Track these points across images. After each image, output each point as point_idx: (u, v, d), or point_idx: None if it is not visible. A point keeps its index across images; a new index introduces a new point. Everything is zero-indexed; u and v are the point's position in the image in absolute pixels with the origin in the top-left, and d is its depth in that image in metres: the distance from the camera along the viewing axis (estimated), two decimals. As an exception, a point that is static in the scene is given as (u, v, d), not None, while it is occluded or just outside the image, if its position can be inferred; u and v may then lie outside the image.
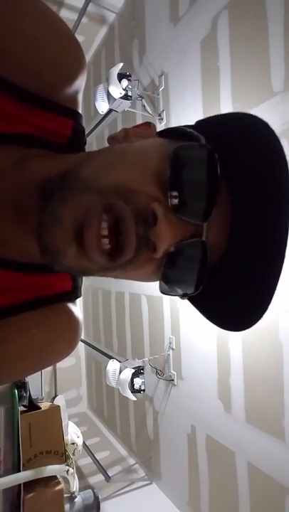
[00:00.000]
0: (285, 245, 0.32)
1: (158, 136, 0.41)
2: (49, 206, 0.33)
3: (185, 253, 0.34)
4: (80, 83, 0.41)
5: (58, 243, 0.32)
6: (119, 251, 0.32)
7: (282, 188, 0.31)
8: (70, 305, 0.45)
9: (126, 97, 1.76)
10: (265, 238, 0.32)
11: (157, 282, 0.38)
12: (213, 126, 0.37)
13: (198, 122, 0.39)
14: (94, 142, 2.66)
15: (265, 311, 0.34)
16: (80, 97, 0.43)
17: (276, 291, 0.33)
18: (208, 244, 0.34)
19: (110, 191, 0.33)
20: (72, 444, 1.81)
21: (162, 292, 0.38)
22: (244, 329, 0.36)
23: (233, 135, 0.35)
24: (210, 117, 0.39)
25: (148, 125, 0.42)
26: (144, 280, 0.39)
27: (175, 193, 0.33)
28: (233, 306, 0.36)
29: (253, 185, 0.33)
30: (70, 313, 0.44)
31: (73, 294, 0.46)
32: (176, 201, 0.33)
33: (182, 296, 0.38)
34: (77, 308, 0.46)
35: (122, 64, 1.77)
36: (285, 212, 0.31)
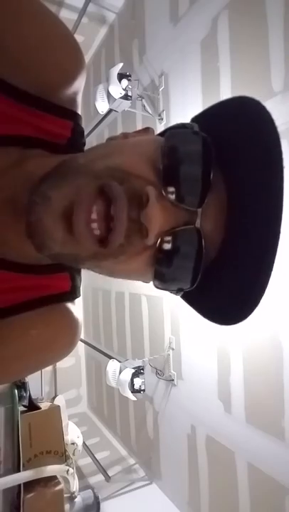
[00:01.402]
0: (279, 234, 0.31)
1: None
2: (40, 188, 0.32)
3: (179, 241, 0.33)
4: (80, 84, 0.41)
5: (45, 222, 0.31)
6: (110, 235, 0.31)
7: (277, 173, 0.30)
8: (70, 305, 0.45)
9: (126, 97, 1.75)
10: (260, 230, 0.31)
11: None
12: (206, 115, 0.37)
13: (193, 117, 0.39)
14: (94, 142, 2.65)
15: (260, 300, 0.33)
16: (80, 98, 0.43)
17: (271, 282, 0.32)
18: (203, 233, 0.33)
19: (104, 173, 0.32)
20: (72, 444, 1.81)
21: (156, 286, 0.37)
22: (240, 321, 0.35)
23: (225, 120, 0.35)
24: (204, 109, 0.38)
25: (147, 129, 0.43)
26: (137, 277, 0.38)
27: (169, 178, 0.32)
28: (230, 300, 0.35)
29: (248, 174, 0.32)
30: (70, 313, 0.44)
31: (72, 294, 0.46)
32: (169, 186, 0.32)
33: (177, 292, 0.37)
34: (76, 308, 0.46)
35: (122, 64, 1.77)
36: (281, 199, 0.30)
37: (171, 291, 0.38)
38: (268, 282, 0.32)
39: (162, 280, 0.36)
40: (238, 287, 0.34)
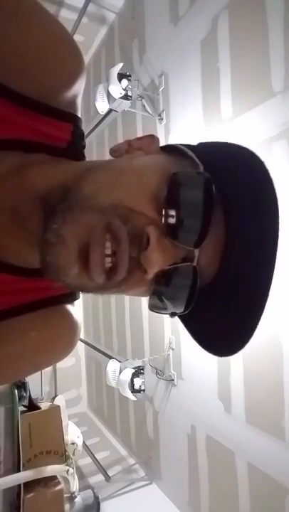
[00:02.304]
0: (272, 278, 0.33)
1: (160, 149, 0.42)
2: (52, 225, 0.33)
3: (175, 276, 0.35)
4: (79, 87, 0.41)
5: (61, 263, 0.33)
6: (113, 271, 0.33)
7: (273, 224, 0.33)
8: (69, 307, 0.45)
9: (126, 97, 1.76)
10: (254, 271, 0.33)
11: None
12: (213, 155, 0.38)
13: (200, 145, 0.40)
14: (94, 142, 2.66)
15: (250, 337, 0.35)
16: (80, 101, 0.43)
17: (261, 321, 0.34)
18: (199, 269, 0.35)
19: (109, 210, 0.33)
20: (72, 444, 1.81)
21: (151, 309, 0.39)
22: (231, 354, 0.37)
23: (231, 168, 0.36)
24: (211, 143, 0.39)
25: (152, 137, 0.42)
26: (137, 296, 0.40)
27: (170, 217, 0.33)
28: (221, 330, 0.37)
29: (247, 219, 0.34)
30: (69, 315, 0.45)
31: (72, 296, 0.46)
32: (170, 225, 0.33)
33: (171, 315, 0.39)
34: (75, 309, 0.46)
35: (122, 64, 1.77)
36: (275, 248, 0.33)
37: (164, 314, 0.39)
38: (259, 317, 0.34)
39: (156, 307, 0.38)
40: (230, 318, 0.36)
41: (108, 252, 0.32)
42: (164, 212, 0.33)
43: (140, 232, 0.33)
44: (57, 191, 0.35)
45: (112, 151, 0.42)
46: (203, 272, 0.35)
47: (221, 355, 0.38)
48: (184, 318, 0.40)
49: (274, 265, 0.33)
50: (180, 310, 0.37)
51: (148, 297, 0.38)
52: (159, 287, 0.36)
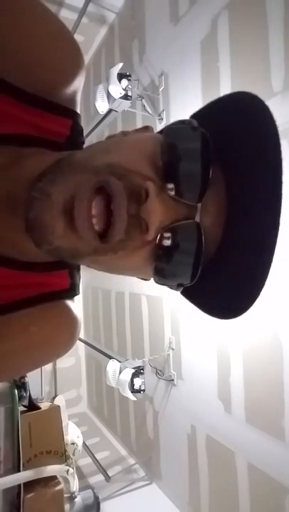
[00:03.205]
0: (278, 230, 0.31)
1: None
2: (38, 184, 0.32)
3: (179, 236, 0.33)
4: (79, 83, 0.41)
5: (45, 218, 0.31)
6: (110, 231, 0.32)
7: (276, 171, 0.31)
8: (69, 302, 0.45)
9: (126, 97, 1.75)
10: (260, 226, 0.32)
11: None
12: (205, 112, 0.38)
13: (192, 114, 0.40)
14: (94, 142, 2.65)
15: (259, 294, 0.33)
16: (79, 97, 0.43)
17: (271, 280, 0.32)
18: (203, 228, 0.33)
19: (103, 170, 0.32)
20: (72, 444, 1.81)
21: (156, 282, 0.37)
22: (239, 315, 0.35)
23: (223, 116, 0.35)
24: (203, 106, 0.39)
25: (147, 128, 0.43)
26: (137, 272, 0.39)
27: (168, 174, 0.33)
28: (229, 295, 0.36)
29: (247, 170, 0.32)
30: (69, 310, 0.45)
31: (71, 292, 0.46)
32: (169, 181, 0.33)
33: (177, 287, 0.37)
34: (75, 305, 0.46)
35: (122, 64, 1.77)
36: (280, 199, 0.31)
37: (171, 286, 0.38)
38: (267, 276, 0.32)
39: (162, 275, 0.36)
40: (237, 281, 0.34)
41: (94, 211, 0.31)
42: (161, 168, 0.33)
43: (138, 188, 0.32)
44: (50, 166, 0.35)
45: (108, 138, 0.42)
46: (207, 234, 0.33)
47: (229, 317, 0.36)
48: (188, 290, 0.38)
49: (279, 217, 0.31)
50: (186, 279, 0.35)
51: (152, 268, 0.36)
52: (163, 251, 0.34)
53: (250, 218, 0.32)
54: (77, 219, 0.31)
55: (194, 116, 0.38)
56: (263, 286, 0.32)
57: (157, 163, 0.33)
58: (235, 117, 0.34)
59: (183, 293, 0.40)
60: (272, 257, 0.32)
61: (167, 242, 0.33)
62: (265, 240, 0.31)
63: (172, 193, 0.32)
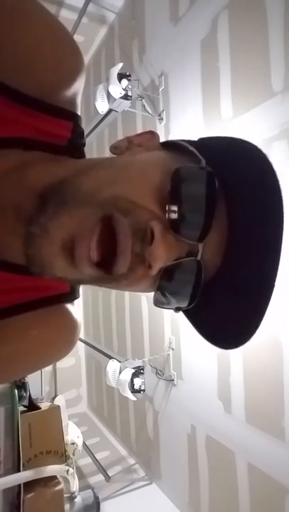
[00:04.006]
0: (277, 270, 0.33)
1: (161, 146, 0.42)
2: (40, 217, 0.32)
3: (180, 271, 0.35)
4: (79, 85, 0.41)
5: (43, 255, 0.32)
6: (111, 263, 0.32)
7: (277, 215, 0.33)
8: (69, 306, 0.45)
9: (126, 97, 1.75)
10: (258, 262, 0.33)
11: None
12: (215, 149, 0.38)
13: (201, 141, 0.40)
14: (94, 142, 2.66)
15: (254, 332, 0.35)
16: (79, 99, 0.43)
17: (267, 311, 0.34)
18: (203, 263, 0.34)
19: (109, 204, 0.32)
20: (72, 444, 1.81)
21: (156, 305, 0.38)
22: (235, 347, 0.37)
23: (234, 162, 0.36)
24: (212, 138, 0.40)
25: (151, 134, 0.42)
26: (138, 292, 0.40)
27: (174, 212, 0.33)
28: (227, 322, 0.37)
29: (250, 211, 0.34)
30: (69, 314, 0.45)
31: (72, 295, 0.46)
32: (174, 220, 0.33)
33: (176, 310, 0.39)
34: (75, 309, 0.46)
35: (122, 64, 1.77)
36: (279, 239, 0.33)
37: (169, 309, 0.39)
38: (263, 313, 0.34)
39: (161, 302, 0.38)
40: (232, 313, 0.36)
41: (94, 245, 0.31)
42: (167, 208, 0.33)
43: (144, 227, 0.32)
44: (54, 186, 0.35)
45: (113, 148, 0.41)
46: (207, 266, 0.35)
47: (227, 348, 0.38)
48: (188, 312, 0.40)
49: (279, 257, 0.33)
50: (184, 304, 0.37)
51: (152, 293, 0.37)
52: (164, 282, 0.35)
53: (250, 251, 0.34)
54: (77, 258, 0.31)
55: (201, 146, 0.38)
56: (258, 323, 0.34)
57: (164, 199, 0.33)
58: (244, 168, 0.35)
59: (184, 313, 0.41)
60: (267, 302, 0.33)
61: (169, 276, 0.35)
62: (262, 284, 0.33)
63: (176, 233, 0.33)
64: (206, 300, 0.36)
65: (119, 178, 0.35)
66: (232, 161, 0.36)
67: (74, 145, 0.43)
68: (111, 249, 0.32)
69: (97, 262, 0.32)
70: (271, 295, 0.33)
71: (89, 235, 0.31)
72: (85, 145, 0.45)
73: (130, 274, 0.33)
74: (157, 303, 0.38)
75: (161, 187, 0.34)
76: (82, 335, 2.90)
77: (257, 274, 0.34)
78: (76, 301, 0.47)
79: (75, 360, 3.02)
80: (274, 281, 0.33)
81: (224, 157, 0.36)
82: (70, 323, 0.45)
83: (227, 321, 0.37)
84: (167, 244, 0.32)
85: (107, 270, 0.32)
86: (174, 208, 0.33)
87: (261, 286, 0.34)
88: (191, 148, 0.38)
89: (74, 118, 0.42)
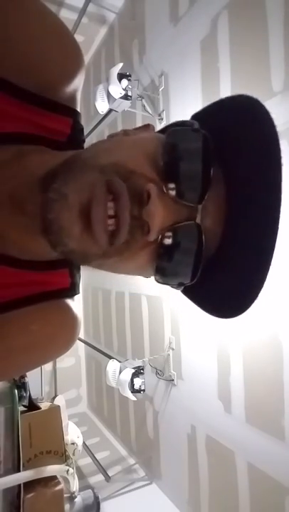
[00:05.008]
0: (277, 233, 0.32)
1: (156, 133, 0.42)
2: (53, 184, 0.33)
3: (179, 236, 0.34)
4: (79, 82, 0.41)
5: (63, 221, 0.32)
6: (115, 233, 0.32)
7: (275, 172, 0.31)
8: (69, 301, 0.45)
9: (126, 97, 1.75)
10: (259, 226, 0.32)
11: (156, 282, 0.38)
12: (206, 113, 0.38)
13: (193, 114, 0.40)
14: (94, 142, 2.65)
15: (259, 293, 0.33)
16: (79, 96, 0.43)
17: (269, 279, 0.33)
18: (204, 230, 0.34)
19: (109, 169, 0.33)
20: (72, 444, 1.81)
21: (157, 281, 0.38)
22: (239, 314, 0.36)
23: (225, 118, 0.35)
24: (205, 106, 0.39)
25: (147, 125, 0.43)
26: (139, 272, 0.39)
27: (169, 176, 0.33)
28: (229, 294, 0.36)
29: (247, 171, 0.33)
30: (69, 309, 0.45)
31: (72, 291, 0.46)
32: (170, 183, 0.33)
33: (178, 286, 0.38)
34: (75, 304, 0.46)
35: (122, 64, 1.77)
36: (279, 199, 0.31)
37: (171, 285, 0.39)
38: (265, 276, 0.33)
39: (163, 275, 0.37)
40: (237, 281, 0.35)
41: (111, 212, 0.32)
42: (163, 171, 0.33)
43: (140, 190, 0.33)
44: (58, 165, 0.35)
45: (110, 137, 0.42)
46: (207, 234, 0.34)
47: (229, 316, 0.37)
48: (189, 289, 0.39)
49: (278, 223, 0.32)
50: (187, 278, 0.36)
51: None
52: (164, 252, 0.35)
53: (249, 219, 0.33)
54: (94, 223, 0.31)
55: (195, 116, 0.39)
56: (261, 287, 0.33)
57: (159, 164, 0.34)
58: (236, 119, 0.35)
59: (184, 292, 0.40)
60: (271, 257, 0.32)
61: (168, 243, 0.34)
62: (264, 240, 0.32)
63: (173, 194, 0.33)
64: (208, 273, 0.35)
65: (117, 147, 0.36)
66: (224, 121, 0.35)
67: (73, 141, 0.43)
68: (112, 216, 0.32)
69: (109, 232, 0.32)
70: (272, 255, 0.32)
71: (103, 200, 0.32)
72: (84, 141, 0.45)
73: (131, 244, 0.33)
74: (159, 277, 0.37)
75: (156, 154, 0.34)
76: (82, 335, 2.90)
77: (257, 236, 0.33)
78: (76, 297, 0.47)
79: (75, 360, 3.02)
80: (275, 238, 0.32)
81: (215, 118, 0.36)
82: (71, 319, 0.45)
83: (229, 289, 0.36)
84: (164, 204, 0.33)
85: (111, 241, 0.33)
86: (169, 171, 0.33)
87: (262, 252, 0.33)
88: (182, 120, 0.38)
89: (74, 114, 0.43)
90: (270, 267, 0.32)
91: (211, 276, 0.36)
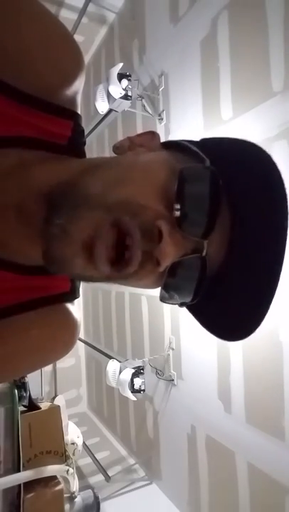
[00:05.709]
0: (281, 267, 0.34)
1: (162, 146, 0.42)
2: (57, 219, 0.34)
3: (185, 267, 0.36)
4: (79, 84, 0.41)
5: (65, 255, 0.33)
6: (123, 264, 0.33)
7: (280, 214, 0.34)
8: (69, 305, 0.45)
9: (126, 97, 1.75)
10: (259, 258, 0.35)
11: None
12: (218, 149, 0.38)
13: (203, 141, 0.40)
14: (94, 142, 2.66)
15: (258, 324, 0.36)
16: (79, 98, 0.43)
17: (270, 307, 0.36)
18: (208, 259, 0.35)
19: (117, 207, 0.33)
20: (72, 444, 1.81)
21: (162, 300, 0.39)
22: (239, 339, 0.38)
23: (237, 161, 0.37)
24: (214, 138, 0.40)
25: (152, 134, 0.43)
26: (144, 288, 0.40)
27: (180, 212, 0.34)
28: (229, 316, 0.38)
29: (252, 208, 0.35)
30: (69, 313, 0.45)
31: (72, 295, 0.46)
32: (180, 219, 0.34)
33: (180, 305, 0.40)
34: (75, 308, 0.46)
35: (122, 64, 1.77)
36: (282, 238, 0.34)
37: (175, 304, 0.40)
38: (267, 307, 0.36)
39: (167, 298, 0.39)
40: (235, 307, 0.38)
41: (112, 243, 0.33)
42: (173, 207, 0.34)
43: (151, 227, 0.33)
44: (61, 188, 0.36)
45: (115, 148, 0.42)
46: (211, 262, 0.36)
47: (228, 340, 0.39)
48: (192, 307, 0.41)
49: (282, 253, 0.34)
50: (189, 300, 0.38)
51: (154, 292, 0.39)
52: (170, 278, 0.36)
53: (252, 245, 0.35)
54: (97, 257, 0.32)
55: (204, 146, 0.39)
56: (260, 321, 0.36)
57: (170, 199, 0.34)
58: (249, 168, 0.36)
59: (188, 309, 0.42)
60: (266, 302, 0.35)
61: (175, 272, 0.36)
62: (263, 279, 0.35)
63: (183, 231, 0.34)
64: (209, 294, 0.37)
65: (126, 179, 0.36)
66: (234, 161, 0.36)
67: (74, 144, 0.43)
68: (121, 250, 0.33)
69: (111, 260, 0.33)
70: (276, 285, 0.35)
71: (106, 238, 0.33)
72: (85, 144, 0.45)
73: (139, 271, 0.34)
74: (163, 298, 0.39)
75: (166, 187, 0.35)
76: (82, 335, 2.90)
77: (258, 270, 0.35)
78: (76, 301, 0.47)
79: (75, 360, 3.02)
80: (278, 278, 0.34)
81: (227, 157, 0.37)
82: (71, 323, 0.45)
83: (230, 314, 0.38)
84: (175, 242, 0.34)
85: (118, 270, 0.33)
86: (180, 207, 0.34)
87: (262, 282, 0.35)
88: (194, 149, 0.38)
89: (74, 117, 0.42)
90: (274, 292, 0.35)
91: (212, 296, 0.38)
